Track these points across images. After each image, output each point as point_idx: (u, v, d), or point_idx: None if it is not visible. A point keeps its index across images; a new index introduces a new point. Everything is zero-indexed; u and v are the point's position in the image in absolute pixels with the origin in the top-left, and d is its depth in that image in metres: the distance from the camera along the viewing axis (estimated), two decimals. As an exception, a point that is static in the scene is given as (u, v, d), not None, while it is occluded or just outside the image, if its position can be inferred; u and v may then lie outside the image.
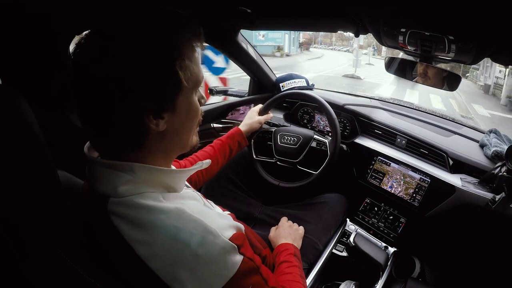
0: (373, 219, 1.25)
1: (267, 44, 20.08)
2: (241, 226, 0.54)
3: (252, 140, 1.22)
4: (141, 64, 0.41)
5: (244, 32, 1.34)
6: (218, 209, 0.70)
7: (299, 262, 0.80)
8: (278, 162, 1.20)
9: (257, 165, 1.20)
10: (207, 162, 0.61)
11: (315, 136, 1.19)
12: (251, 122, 1.15)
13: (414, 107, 1.57)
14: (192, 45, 0.47)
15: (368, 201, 1.30)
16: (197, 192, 0.62)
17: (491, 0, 0.45)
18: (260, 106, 1.24)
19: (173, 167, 0.58)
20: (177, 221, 0.44)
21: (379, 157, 1.24)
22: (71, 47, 0.44)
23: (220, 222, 0.48)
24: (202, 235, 0.44)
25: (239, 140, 1.08)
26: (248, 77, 1.57)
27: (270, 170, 1.21)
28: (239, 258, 0.47)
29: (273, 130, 1.25)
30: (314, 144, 1.18)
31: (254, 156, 1.21)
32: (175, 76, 0.45)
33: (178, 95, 0.46)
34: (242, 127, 1.12)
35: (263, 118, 1.20)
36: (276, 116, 1.53)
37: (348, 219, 1.23)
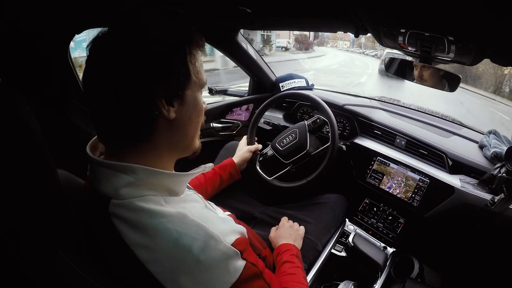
0: (372, 219, 1.26)
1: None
2: (244, 230, 0.54)
3: (258, 167, 1.21)
4: (158, 52, 0.44)
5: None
6: (219, 211, 0.70)
7: (301, 263, 0.80)
8: (292, 167, 1.18)
9: (276, 182, 1.17)
10: (209, 166, 0.61)
11: (306, 121, 1.20)
12: (241, 153, 1.17)
13: (414, 108, 1.57)
14: (198, 46, 0.50)
15: (367, 201, 1.30)
16: (198, 194, 0.62)
17: (491, 1, 0.45)
18: (245, 137, 1.25)
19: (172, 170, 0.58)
20: (179, 225, 0.43)
21: (378, 157, 1.24)
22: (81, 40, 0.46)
23: (223, 227, 0.48)
24: (204, 240, 0.44)
25: (231, 171, 1.08)
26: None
27: (289, 178, 1.19)
28: (241, 263, 0.47)
29: (269, 145, 1.25)
30: (310, 126, 1.19)
31: (269, 178, 1.18)
32: (186, 68, 0.47)
33: (187, 86, 0.48)
34: (235, 158, 1.13)
35: (253, 147, 1.20)
36: (275, 116, 1.54)
37: (347, 219, 1.23)
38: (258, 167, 1.21)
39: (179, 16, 0.48)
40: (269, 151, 1.24)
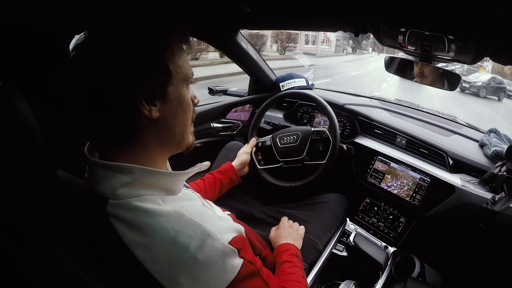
0: (373, 219, 1.25)
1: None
2: (242, 228, 0.54)
3: (252, 151, 1.22)
4: (133, 53, 0.43)
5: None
6: (218, 209, 0.70)
7: (300, 263, 0.80)
8: (283, 165, 1.19)
9: (264, 173, 1.19)
10: (206, 164, 0.61)
11: (313, 129, 1.19)
12: (239, 157, 1.17)
13: (414, 107, 1.57)
14: (180, 41, 0.50)
15: (368, 200, 1.30)
16: (196, 193, 0.62)
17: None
18: (245, 145, 1.25)
19: (169, 169, 0.58)
20: (176, 224, 0.44)
21: (379, 156, 1.24)
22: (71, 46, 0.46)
23: (220, 225, 0.48)
24: (201, 239, 0.44)
25: (231, 176, 1.08)
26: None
27: (277, 174, 1.20)
28: (238, 261, 0.48)
29: (271, 135, 1.25)
30: (314, 136, 1.18)
31: (259, 166, 1.20)
32: (164, 65, 0.46)
33: (168, 84, 0.48)
34: (234, 162, 1.13)
35: (248, 147, 1.21)
36: (276, 116, 1.54)
37: (348, 219, 1.23)
38: (253, 152, 1.22)
39: (171, 14, 0.47)
40: (268, 140, 1.24)
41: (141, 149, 0.49)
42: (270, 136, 1.25)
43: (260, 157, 1.25)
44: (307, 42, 20.73)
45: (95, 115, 0.45)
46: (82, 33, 0.45)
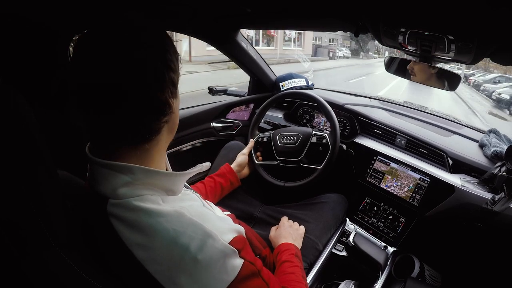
0: (372, 219, 1.26)
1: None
2: (242, 229, 0.54)
3: (251, 149, 1.23)
4: (164, 52, 0.45)
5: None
6: (217, 210, 0.70)
7: (300, 262, 0.80)
8: (280, 163, 1.20)
9: (260, 169, 1.20)
10: (206, 165, 0.62)
11: (314, 132, 1.20)
12: (237, 159, 1.17)
13: (414, 107, 1.57)
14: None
15: (367, 200, 1.30)
16: (197, 194, 0.62)
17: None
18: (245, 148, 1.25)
19: (170, 169, 0.58)
20: (177, 224, 0.44)
21: (378, 156, 1.24)
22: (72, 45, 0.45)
23: (220, 225, 0.49)
24: (201, 239, 0.44)
25: (231, 179, 1.09)
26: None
27: (273, 172, 1.21)
28: (239, 262, 0.48)
29: (272, 132, 1.25)
30: (314, 139, 1.18)
31: (256, 161, 1.21)
32: (177, 65, 0.48)
33: (177, 81, 0.50)
34: (232, 164, 1.14)
35: (245, 149, 1.21)
36: (276, 115, 1.54)
37: (347, 219, 1.23)
38: (252, 148, 1.24)
39: (178, 16, 0.47)
40: (267, 137, 1.25)
41: (157, 145, 0.49)
42: (271, 132, 1.25)
43: (260, 155, 1.25)
44: (257, 43, 15.15)
45: (114, 115, 0.43)
46: (87, 32, 0.44)
